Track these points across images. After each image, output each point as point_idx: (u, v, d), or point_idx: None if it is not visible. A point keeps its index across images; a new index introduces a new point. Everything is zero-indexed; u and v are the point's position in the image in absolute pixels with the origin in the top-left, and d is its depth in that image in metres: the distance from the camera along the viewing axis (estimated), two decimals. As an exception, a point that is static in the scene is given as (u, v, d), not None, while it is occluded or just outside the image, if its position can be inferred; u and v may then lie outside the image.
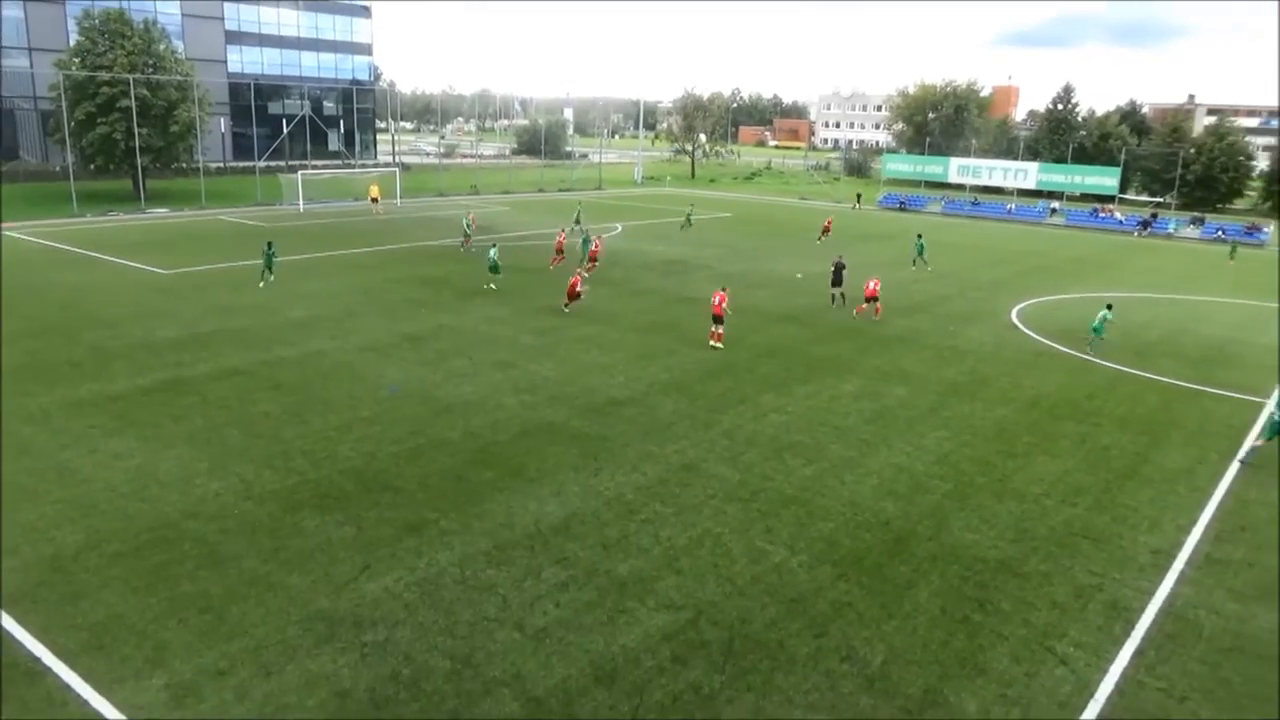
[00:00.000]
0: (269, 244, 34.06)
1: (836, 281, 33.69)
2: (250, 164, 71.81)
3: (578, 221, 52.73)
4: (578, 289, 30.80)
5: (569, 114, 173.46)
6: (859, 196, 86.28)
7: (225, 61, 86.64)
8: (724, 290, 27.37)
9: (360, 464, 17.15)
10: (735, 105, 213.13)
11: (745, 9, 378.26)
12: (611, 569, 13.58)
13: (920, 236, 47.09)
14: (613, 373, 23.88)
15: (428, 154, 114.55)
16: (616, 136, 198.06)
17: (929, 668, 11.51)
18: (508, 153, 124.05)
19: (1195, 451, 20.06)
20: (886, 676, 11.29)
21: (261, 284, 32.48)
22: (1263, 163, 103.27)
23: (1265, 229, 72.10)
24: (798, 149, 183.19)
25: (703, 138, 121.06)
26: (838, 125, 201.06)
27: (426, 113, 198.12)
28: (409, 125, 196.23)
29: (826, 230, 53.79)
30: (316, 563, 13.41)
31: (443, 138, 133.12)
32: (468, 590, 12.82)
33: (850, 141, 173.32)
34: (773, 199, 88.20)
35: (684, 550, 14.28)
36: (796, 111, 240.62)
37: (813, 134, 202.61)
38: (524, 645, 11.57)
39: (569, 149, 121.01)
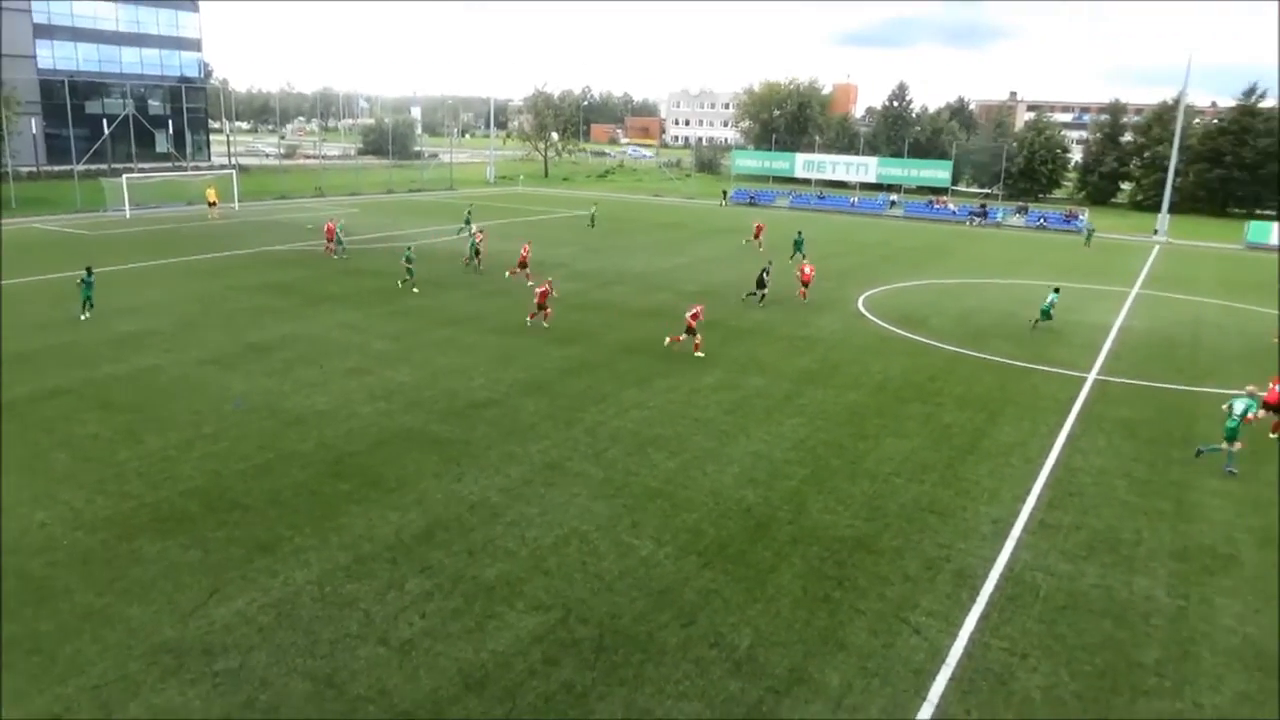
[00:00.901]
0: (88, 270, 28.79)
1: (761, 284, 34.81)
2: (67, 168, 66.71)
3: (467, 222, 51.64)
4: (545, 300, 28.96)
5: (417, 113, 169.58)
6: (725, 193, 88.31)
7: (34, 57, 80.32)
8: (699, 306, 27.40)
9: (204, 483, 16.20)
10: (587, 103, 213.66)
11: (594, 8, 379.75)
12: (478, 574, 13.35)
13: (800, 233, 48.72)
14: (472, 375, 23.48)
15: (267, 155, 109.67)
16: (467, 136, 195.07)
17: (793, 647, 11.85)
18: (353, 153, 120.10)
19: (1028, 425, 21.45)
20: (754, 659, 11.55)
21: (84, 316, 27.97)
22: (1077, 155, 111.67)
23: (1081, 216, 77.97)
24: (650, 146, 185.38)
25: (555, 136, 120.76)
26: (687, 123, 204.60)
27: (264, 112, 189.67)
28: (245, 125, 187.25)
29: (758, 235, 52.54)
30: (159, 591, 12.58)
31: (283, 138, 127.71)
32: (327, 607, 12.32)
33: (700, 139, 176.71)
34: (626, 196, 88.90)
35: (551, 550, 14.19)
36: (647, 109, 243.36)
37: (663, 131, 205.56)
38: (389, 659, 11.22)
39: (418, 149, 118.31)
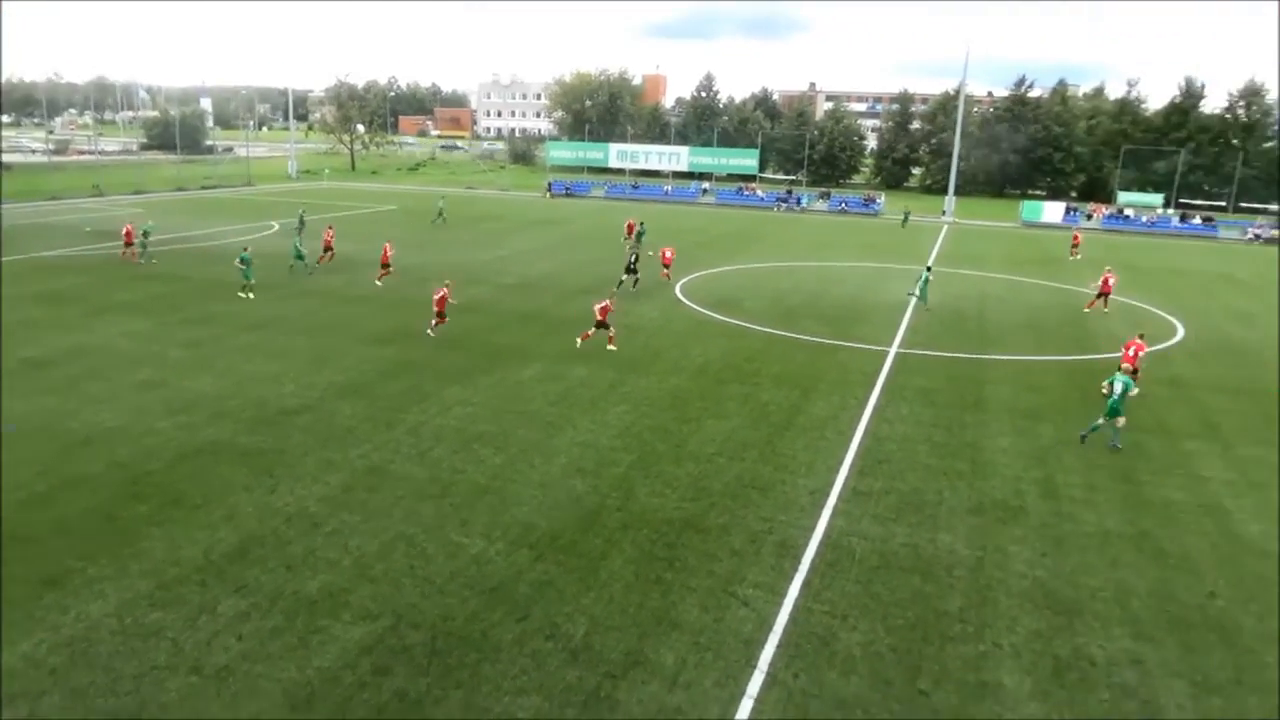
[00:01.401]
0: None
1: (631, 270, 36.44)
2: None
3: (301, 224, 48.71)
4: (443, 308, 27.01)
5: (206, 104, 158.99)
6: (550, 186, 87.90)
7: None
8: (609, 300, 26.94)
9: (-24, 516, 14.56)
10: (393, 94, 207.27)
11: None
12: (299, 589, 12.69)
13: (642, 224, 49.01)
14: (282, 381, 22.29)
15: (33, 151, 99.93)
16: (265, 129, 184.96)
17: (628, 631, 11.98)
18: (135, 148, 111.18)
19: (838, 399, 22.60)
20: (590, 647, 11.59)
21: None
22: (872, 142, 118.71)
23: (878, 200, 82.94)
24: (462, 138, 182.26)
25: (361, 128, 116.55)
26: (499, 114, 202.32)
27: (28, 104, 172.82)
28: (7, 119, 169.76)
29: (630, 233, 51.00)
30: (-75, 641, 11.21)
31: (51, 132, 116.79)
32: (129, 640, 11.36)
33: (513, 130, 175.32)
34: (440, 189, 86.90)
35: (377, 557, 13.69)
36: (457, 100, 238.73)
37: (475, 123, 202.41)
38: (204, 688, 10.48)
39: (210, 143, 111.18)
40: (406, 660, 11.16)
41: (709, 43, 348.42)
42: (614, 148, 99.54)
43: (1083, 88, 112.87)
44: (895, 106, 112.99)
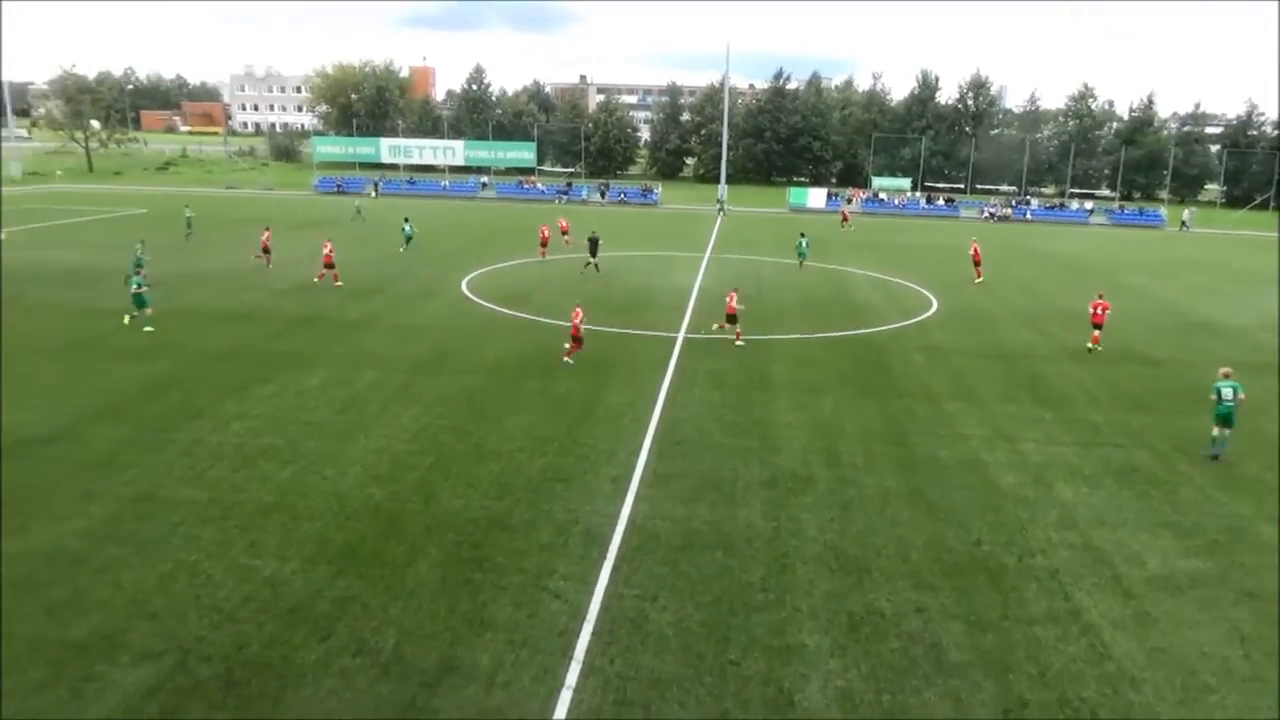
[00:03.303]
0: None
1: (593, 253, 39.85)
2: None
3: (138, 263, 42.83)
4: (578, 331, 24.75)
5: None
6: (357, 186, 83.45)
7: None
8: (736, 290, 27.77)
9: None
10: (131, 87, 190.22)
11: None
12: (63, 635, 11.41)
13: (406, 219, 47.20)
14: (23, 408, 19.89)
15: None
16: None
17: (440, 637, 11.67)
18: None
19: (633, 387, 23.01)
20: (401, 658, 11.20)
21: None
22: (646, 134, 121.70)
23: (655, 190, 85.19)
24: (215, 134, 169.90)
25: (96, 124, 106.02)
26: (256, 108, 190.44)
27: None
28: None
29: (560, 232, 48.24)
30: None
31: None
32: None
33: (273, 125, 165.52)
34: (195, 190, 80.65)
35: (156, 590, 12.55)
36: (207, 93, 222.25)
37: (230, 118, 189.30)
38: (-46, 762, 9.23)
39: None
40: (199, 697, 10.33)
41: (475, 34, 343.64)
42: (385, 142, 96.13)
43: (834, 80, 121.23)
44: (665, 99, 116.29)
